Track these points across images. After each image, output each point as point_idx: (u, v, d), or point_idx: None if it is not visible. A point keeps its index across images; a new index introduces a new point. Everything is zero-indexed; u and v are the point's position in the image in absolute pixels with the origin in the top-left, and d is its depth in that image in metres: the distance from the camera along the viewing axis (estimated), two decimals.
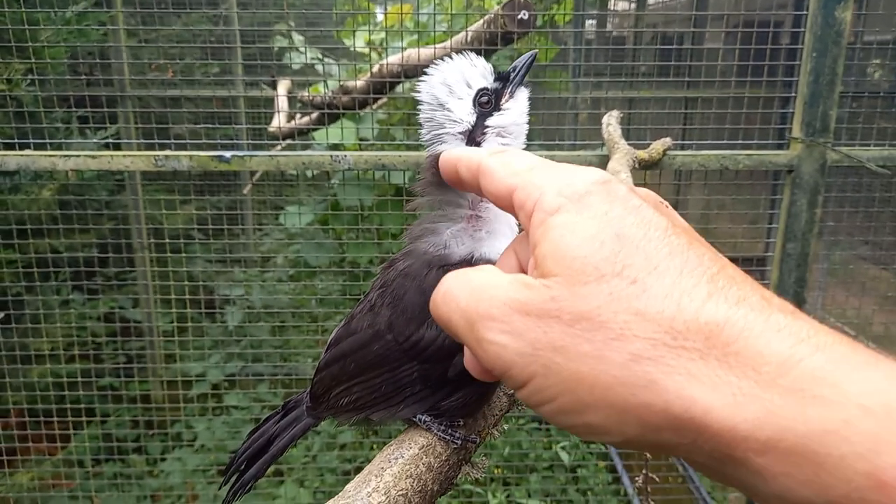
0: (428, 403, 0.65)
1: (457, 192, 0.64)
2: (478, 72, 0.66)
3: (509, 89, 0.67)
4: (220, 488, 0.78)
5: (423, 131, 0.67)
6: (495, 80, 0.67)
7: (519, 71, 0.67)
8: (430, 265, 0.63)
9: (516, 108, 0.66)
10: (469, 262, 0.63)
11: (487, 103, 0.66)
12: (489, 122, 0.65)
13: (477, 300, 0.42)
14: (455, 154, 0.56)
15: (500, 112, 0.66)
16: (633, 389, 0.36)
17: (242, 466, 0.76)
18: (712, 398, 0.34)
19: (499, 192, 0.50)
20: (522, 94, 0.68)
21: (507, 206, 0.49)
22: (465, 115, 0.65)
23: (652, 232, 0.40)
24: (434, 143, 0.67)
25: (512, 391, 0.77)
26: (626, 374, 0.36)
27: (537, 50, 0.71)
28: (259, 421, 0.79)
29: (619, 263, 0.39)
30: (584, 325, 0.38)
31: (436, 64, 0.66)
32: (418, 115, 0.68)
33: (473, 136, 0.65)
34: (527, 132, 0.69)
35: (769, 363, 0.34)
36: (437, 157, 0.66)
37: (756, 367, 0.34)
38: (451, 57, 0.66)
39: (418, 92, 0.67)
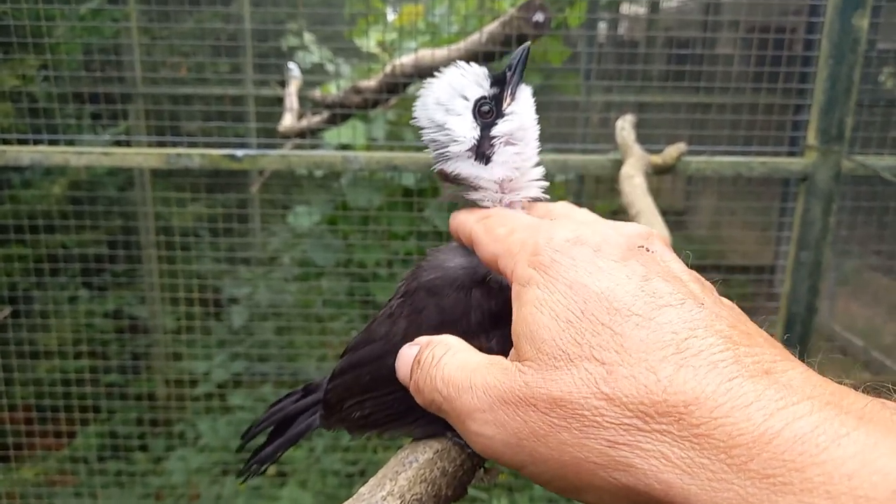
0: (442, 423, 0.63)
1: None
2: (471, 80, 0.59)
3: (509, 90, 0.60)
4: (237, 476, 0.77)
5: (429, 151, 0.63)
6: (492, 84, 0.60)
7: (515, 68, 0.60)
8: (452, 283, 0.59)
9: (521, 111, 0.60)
10: (491, 281, 0.59)
11: (489, 112, 0.59)
12: (494, 131, 0.60)
13: (458, 389, 0.44)
14: (453, 225, 0.56)
15: (504, 118, 0.60)
16: (615, 474, 0.37)
17: (258, 435, 0.75)
18: (689, 483, 0.35)
19: (488, 262, 0.51)
20: (525, 93, 0.61)
21: (501, 273, 0.50)
22: (468, 130, 0.59)
23: (618, 302, 0.40)
24: (440, 161, 0.62)
25: None
26: (607, 460, 0.38)
27: (529, 42, 0.67)
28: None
29: (585, 345, 0.39)
30: (558, 412, 0.39)
31: (426, 83, 0.61)
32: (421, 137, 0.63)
33: (482, 150, 0.60)
34: (538, 132, 0.63)
35: (738, 445, 0.34)
36: (443, 173, 0.63)
37: (727, 450, 0.34)
38: (440, 72, 0.61)
39: (415, 118, 0.62)
